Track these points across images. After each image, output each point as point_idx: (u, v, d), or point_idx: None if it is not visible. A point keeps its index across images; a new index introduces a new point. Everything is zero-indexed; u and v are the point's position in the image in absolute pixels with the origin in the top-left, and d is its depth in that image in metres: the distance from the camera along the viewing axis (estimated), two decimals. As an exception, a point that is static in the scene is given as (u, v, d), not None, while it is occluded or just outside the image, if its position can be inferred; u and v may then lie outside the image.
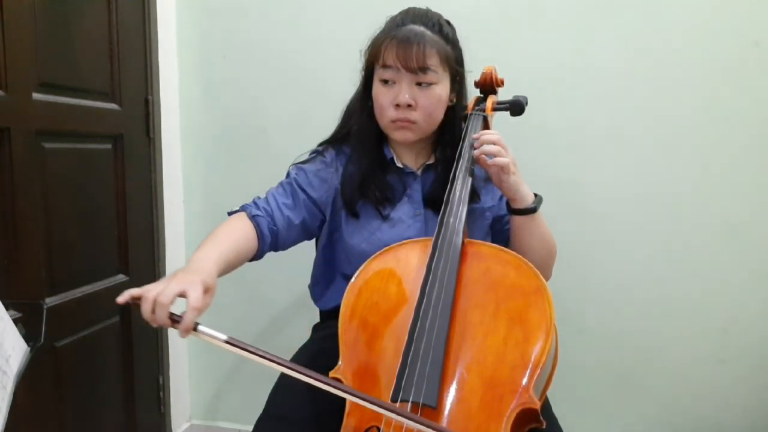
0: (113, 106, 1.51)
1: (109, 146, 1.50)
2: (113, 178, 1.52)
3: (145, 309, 0.75)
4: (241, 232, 1.01)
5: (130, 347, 1.60)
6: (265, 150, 1.74)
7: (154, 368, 1.73)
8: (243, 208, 1.07)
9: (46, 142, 1.28)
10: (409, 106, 1.03)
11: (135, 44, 1.58)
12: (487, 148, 0.99)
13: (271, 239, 1.06)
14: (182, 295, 0.76)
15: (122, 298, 0.76)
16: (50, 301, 1.31)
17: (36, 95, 1.25)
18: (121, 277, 1.56)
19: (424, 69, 1.01)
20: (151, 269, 1.69)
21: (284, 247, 1.11)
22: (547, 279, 1.09)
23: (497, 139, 1.01)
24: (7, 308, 0.83)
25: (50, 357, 1.32)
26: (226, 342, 0.74)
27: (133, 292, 0.76)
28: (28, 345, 0.86)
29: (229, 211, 1.08)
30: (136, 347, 1.62)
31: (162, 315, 0.75)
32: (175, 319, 0.75)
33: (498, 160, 0.98)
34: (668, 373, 1.59)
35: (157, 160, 1.68)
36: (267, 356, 0.73)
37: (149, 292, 0.75)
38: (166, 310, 0.74)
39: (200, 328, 0.75)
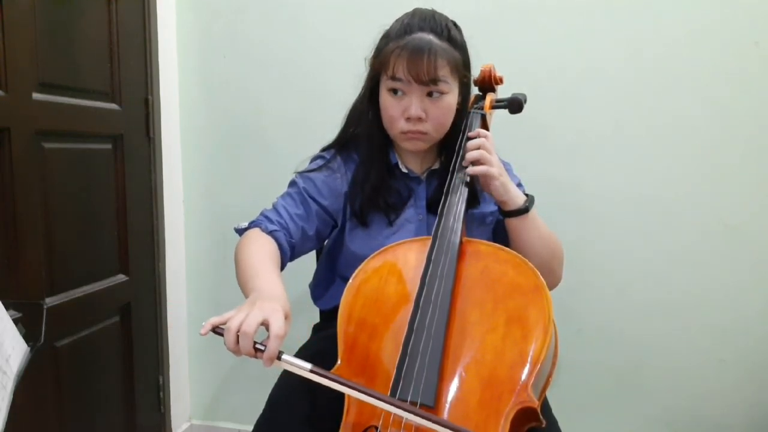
0: (113, 106, 1.51)
1: (109, 146, 1.50)
2: (113, 178, 1.52)
3: (229, 340, 0.73)
4: (272, 250, 0.98)
5: (130, 347, 1.60)
6: (265, 150, 1.74)
7: (154, 368, 1.73)
8: (256, 224, 1.04)
9: (46, 142, 1.28)
10: (420, 118, 1.02)
11: (135, 44, 1.58)
12: (469, 155, 1.00)
13: (290, 252, 1.05)
14: (264, 323, 0.75)
15: (205, 330, 0.74)
16: (50, 301, 1.31)
17: (36, 95, 1.25)
18: (121, 277, 1.56)
19: (435, 81, 1.00)
20: (151, 269, 1.69)
21: (298, 257, 1.10)
22: (556, 283, 1.08)
23: (481, 143, 1.01)
24: (7, 308, 0.83)
25: (50, 357, 1.32)
26: (311, 371, 0.73)
27: (215, 321, 0.75)
28: (28, 345, 0.86)
29: (238, 227, 1.05)
30: (136, 347, 1.62)
31: (246, 345, 0.73)
32: (259, 349, 0.73)
33: (476, 169, 0.99)
34: (668, 373, 1.59)
35: (157, 160, 1.68)
36: (352, 386, 0.73)
37: (232, 321, 0.74)
38: (250, 340, 0.73)
39: (284, 357, 0.74)
